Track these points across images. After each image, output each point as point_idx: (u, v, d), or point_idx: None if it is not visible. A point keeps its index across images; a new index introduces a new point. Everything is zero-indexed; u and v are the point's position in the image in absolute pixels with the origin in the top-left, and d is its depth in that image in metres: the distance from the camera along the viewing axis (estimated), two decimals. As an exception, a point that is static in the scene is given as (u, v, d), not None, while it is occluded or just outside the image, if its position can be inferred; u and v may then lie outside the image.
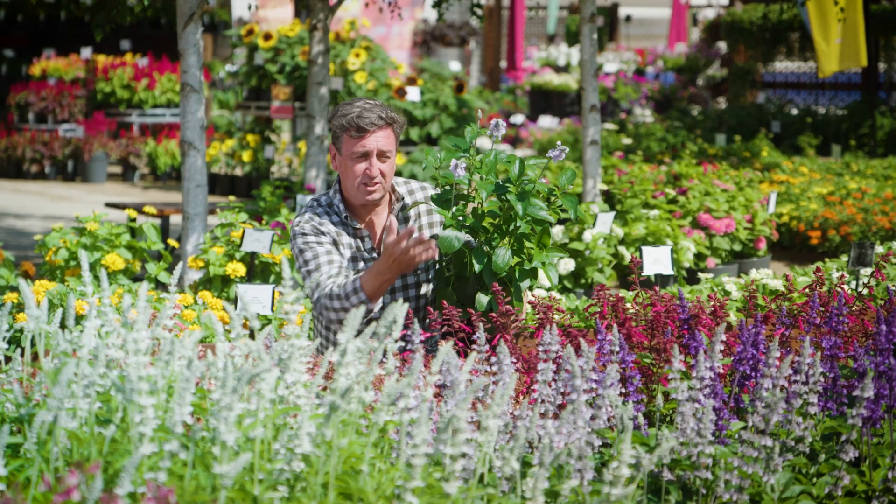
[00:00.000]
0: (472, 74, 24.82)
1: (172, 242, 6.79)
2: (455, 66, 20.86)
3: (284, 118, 12.87)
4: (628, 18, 27.23)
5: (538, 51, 24.51)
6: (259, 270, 6.13)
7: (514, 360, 3.17)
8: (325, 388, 2.86)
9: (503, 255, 3.72)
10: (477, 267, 3.73)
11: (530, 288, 3.86)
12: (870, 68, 15.85)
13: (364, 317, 3.84)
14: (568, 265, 7.56)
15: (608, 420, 2.68)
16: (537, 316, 3.51)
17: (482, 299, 3.76)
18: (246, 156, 13.33)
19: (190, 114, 6.34)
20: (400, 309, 2.44)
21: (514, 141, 17.04)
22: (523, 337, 3.62)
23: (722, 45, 21.37)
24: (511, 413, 2.69)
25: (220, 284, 5.94)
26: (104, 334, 2.54)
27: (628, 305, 3.58)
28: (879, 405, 2.74)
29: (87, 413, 2.33)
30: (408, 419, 2.30)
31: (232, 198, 8.16)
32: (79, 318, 4.63)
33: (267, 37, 12.43)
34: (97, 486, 1.92)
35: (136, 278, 6.69)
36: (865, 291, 4.52)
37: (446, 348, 2.44)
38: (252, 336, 4.66)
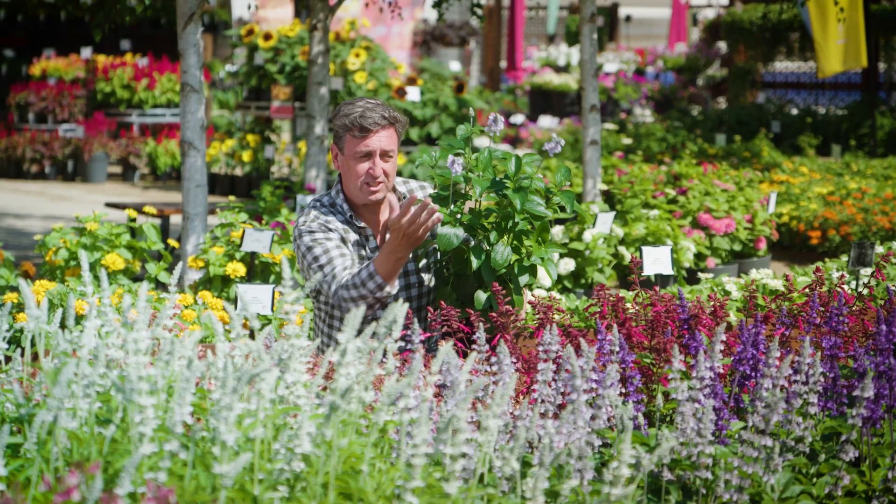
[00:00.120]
0: (472, 74, 24.82)
1: (172, 242, 6.79)
2: (455, 66, 20.86)
3: (284, 118, 12.87)
4: (628, 18, 27.23)
5: (538, 51, 24.51)
6: (259, 270, 6.13)
7: (514, 360, 3.17)
8: (325, 388, 2.86)
9: (502, 252, 3.72)
10: (475, 264, 3.73)
11: (530, 287, 3.86)
12: (870, 68, 15.85)
13: (380, 302, 3.83)
14: (568, 265, 7.56)
15: (608, 420, 2.68)
16: (537, 316, 3.51)
17: (481, 297, 3.76)
18: (246, 156, 13.33)
19: (190, 114, 6.34)
20: (400, 309, 2.44)
21: (514, 141, 17.04)
22: (523, 337, 3.62)
23: (722, 45, 21.37)
24: (511, 413, 2.69)
25: (220, 284, 5.94)
26: (104, 334, 2.54)
27: (628, 305, 3.58)
28: (879, 405, 2.74)
29: (87, 413, 2.33)
30: (408, 419, 2.30)
31: (232, 198, 8.16)
32: (79, 318, 4.63)
33: (267, 37, 12.43)
34: (97, 486, 1.92)
35: (136, 278, 6.69)
36: (865, 291, 4.52)
37: (446, 348, 2.44)
38: (252, 336, 4.66)
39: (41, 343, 2.64)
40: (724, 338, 3.09)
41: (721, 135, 13.67)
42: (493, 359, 2.70)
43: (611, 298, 3.54)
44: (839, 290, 3.81)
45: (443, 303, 3.62)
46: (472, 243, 3.77)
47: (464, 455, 2.39)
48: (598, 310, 3.58)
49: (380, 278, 3.76)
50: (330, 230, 3.96)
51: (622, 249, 8.06)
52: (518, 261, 3.79)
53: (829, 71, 11.89)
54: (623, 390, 2.93)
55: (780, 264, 9.68)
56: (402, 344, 2.57)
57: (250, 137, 13.37)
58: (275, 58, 12.49)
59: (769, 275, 5.85)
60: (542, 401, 2.66)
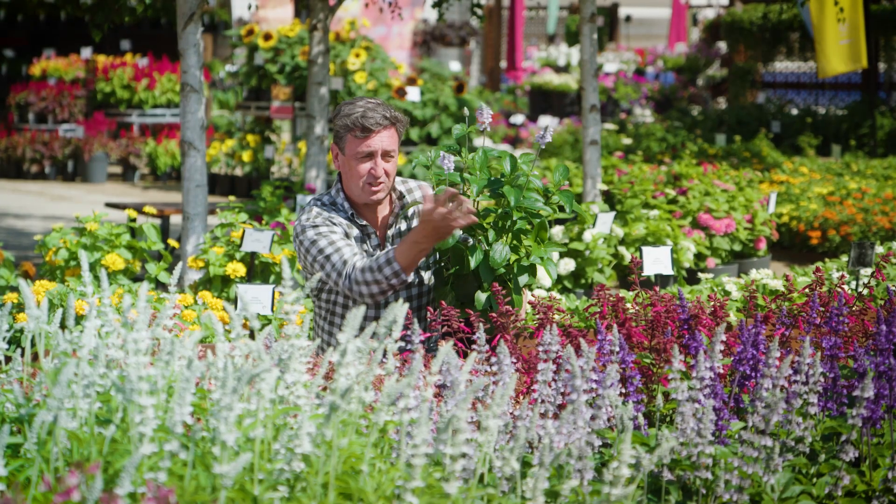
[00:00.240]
0: (472, 74, 24.82)
1: (172, 242, 6.79)
2: (455, 66, 20.86)
3: (284, 118, 12.87)
4: (628, 18, 27.23)
5: (538, 51, 24.51)
6: (259, 270, 6.13)
7: (514, 360, 3.17)
8: (325, 388, 2.86)
9: (500, 251, 3.72)
10: (474, 263, 3.73)
11: (529, 287, 3.86)
12: (870, 68, 15.85)
13: (394, 290, 3.83)
14: (568, 265, 7.56)
15: (608, 420, 2.68)
16: (537, 316, 3.51)
17: (481, 297, 3.76)
18: (246, 156, 13.33)
19: (190, 114, 6.34)
20: (400, 309, 2.44)
21: (514, 141, 17.04)
22: (523, 337, 3.62)
23: (722, 45, 21.37)
24: (511, 413, 2.69)
25: (220, 284, 5.94)
26: (104, 334, 2.54)
27: (628, 305, 3.58)
28: (879, 405, 2.74)
29: (87, 413, 2.33)
30: (408, 419, 2.30)
31: (232, 198, 8.16)
32: (79, 318, 4.63)
33: (267, 37, 12.43)
34: (97, 486, 1.92)
35: (136, 278, 6.69)
36: (865, 291, 4.52)
37: (446, 348, 2.44)
38: (252, 336, 4.66)
39: (41, 343, 2.64)
40: (724, 338, 3.09)
41: (721, 135, 13.67)
42: (493, 359, 2.70)
43: (611, 298, 3.54)
44: (839, 290, 3.82)
45: (443, 303, 3.62)
46: (471, 243, 3.77)
47: (464, 455, 2.39)
48: (598, 310, 3.58)
49: (398, 265, 3.75)
50: (334, 224, 3.97)
51: (622, 249, 8.06)
52: (517, 260, 3.79)
53: (830, 71, 11.88)
54: (623, 390, 2.94)
55: (780, 264, 9.69)
56: (402, 344, 2.57)
57: (250, 137, 13.37)
58: (275, 58, 12.49)
59: (769, 275, 5.85)
60: (542, 401, 2.66)
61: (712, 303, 3.41)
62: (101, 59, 15.92)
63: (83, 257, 2.58)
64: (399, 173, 11.63)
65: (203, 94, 6.36)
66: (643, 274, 4.45)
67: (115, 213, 10.88)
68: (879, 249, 6.50)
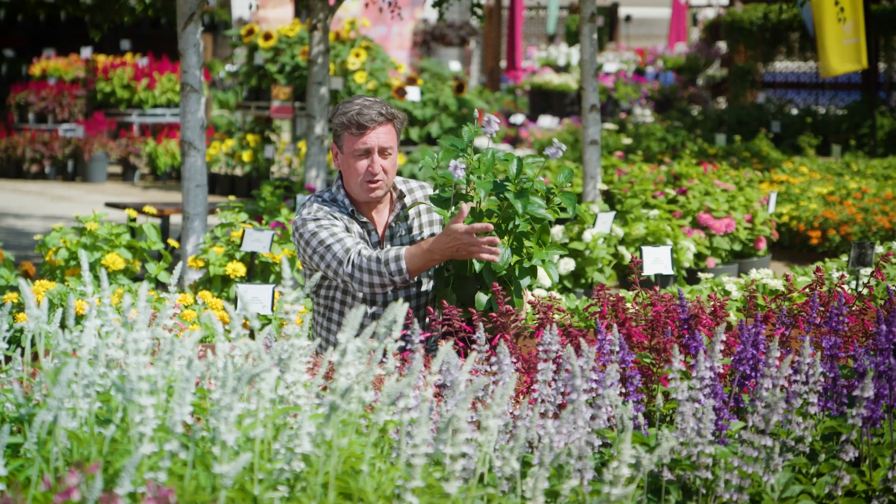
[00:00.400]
0: (472, 74, 24.82)
1: (172, 242, 6.79)
2: (455, 66, 20.86)
3: (284, 118, 12.87)
4: (628, 18, 27.22)
5: (538, 51, 24.51)
6: (259, 270, 6.13)
7: (514, 360, 3.17)
8: (325, 388, 2.86)
9: (503, 254, 3.72)
10: (477, 266, 3.73)
11: (530, 287, 3.86)
12: (870, 68, 15.85)
13: (395, 286, 3.83)
14: (568, 265, 7.56)
15: (608, 420, 2.68)
16: (537, 316, 3.51)
17: (482, 299, 3.76)
18: (246, 156, 13.33)
19: (190, 114, 6.34)
20: (400, 309, 2.44)
21: (514, 141, 17.04)
22: (523, 337, 3.62)
23: (722, 45, 21.36)
24: (511, 413, 2.69)
25: (220, 284, 5.94)
26: (104, 334, 2.54)
27: (628, 305, 3.58)
28: (879, 405, 2.74)
29: (87, 413, 2.33)
30: (408, 419, 2.30)
31: (232, 198, 8.16)
32: (79, 318, 4.63)
33: (267, 37, 12.43)
34: (97, 486, 1.92)
35: (136, 278, 6.69)
36: (865, 291, 4.52)
37: (446, 348, 2.44)
38: (252, 336, 4.66)
39: (41, 343, 2.64)
40: (724, 338, 3.09)
41: (721, 135, 13.67)
42: (493, 359, 2.70)
43: (611, 298, 3.54)
44: (839, 290, 3.82)
45: (445, 302, 3.62)
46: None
47: (464, 455, 2.39)
48: (598, 310, 3.58)
49: (404, 265, 3.75)
50: (335, 218, 3.97)
51: (622, 249, 8.06)
52: (518, 262, 3.79)
53: (832, 71, 11.88)
54: (623, 390, 2.93)
55: (780, 264, 9.68)
56: (402, 344, 2.57)
57: (250, 137, 13.37)
58: (275, 58, 12.49)
59: (769, 275, 5.85)
60: (542, 401, 2.66)
61: (712, 303, 3.41)
62: (101, 59, 15.92)
63: (83, 257, 2.58)
64: (399, 173, 11.63)
65: (203, 94, 6.36)
66: (643, 274, 4.45)
67: (115, 213, 10.88)
68: (879, 249, 6.50)
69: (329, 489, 2.19)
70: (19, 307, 4.98)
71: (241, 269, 5.88)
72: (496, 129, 3.79)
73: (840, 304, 3.23)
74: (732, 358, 2.97)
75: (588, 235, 7.63)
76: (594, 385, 2.60)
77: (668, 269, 4.66)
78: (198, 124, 6.35)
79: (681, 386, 2.58)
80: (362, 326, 3.95)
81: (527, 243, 3.80)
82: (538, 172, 3.79)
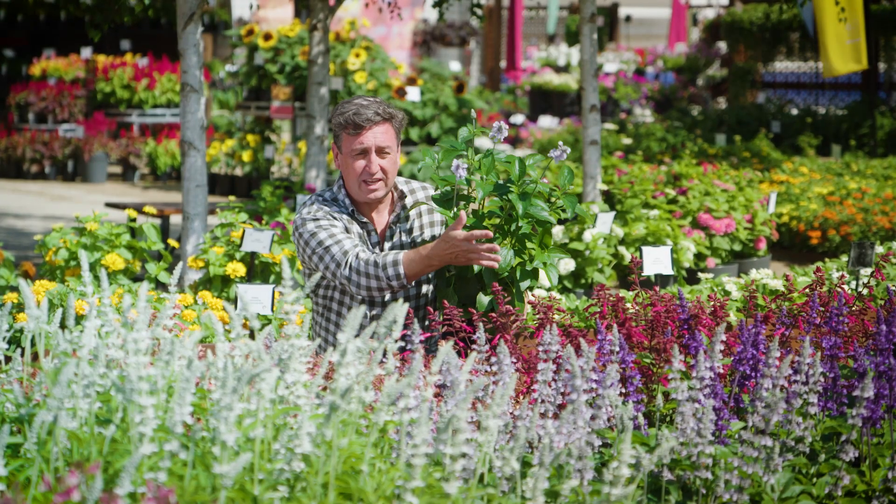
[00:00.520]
0: (472, 74, 24.82)
1: (172, 242, 6.79)
2: (455, 66, 20.86)
3: (284, 118, 12.87)
4: (628, 18, 27.23)
5: (538, 51, 24.51)
6: (259, 270, 6.13)
7: (514, 360, 3.17)
8: (325, 388, 2.86)
9: (505, 256, 3.72)
10: (477, 267, 3.73)
11: (530, 288, 3.86)
12: (870, 68, 15.85)
13: (392, 290, 3.82)
14: (568, 265, 7.56)
15: (608, 420, 2.68)
16: (537, 316, 3.51)
17: (483, 300, 3.76)
18: (246, 156, 13.33)
19: (190, 114, 6.34)
20: (400, 309, 2.44)
21: (514, 141, 17.04)
22: (523, 337, 3.62)
23: (722, 45, 21.36)
24: (511, 413, 2.69)
25: (220, 284, 5.94)
26: (104, 334, 2.54)
27: (628, 305, 3.58)
28: (879, 405, 2.74)
29: (87, 413, 2.33)
30: (408, 419, 2.30)
31: (232, 198, 8.16)
32: (79, 318, 4.63)
33: (267, 37, 12.43)
34: (97, 486, 1.92)
35: (136, 278, 6.69)
36: (865, 291, 4.52)
37: (446, 348, 2.44)
38: (252, 336, 4.66)
39: (41, 343, 2.64)
40: (724, 338, 3.09)
41: (721, 135, 13.67)
42: (494, 359, 2.70)
43: (611, 298, 3.54)
44: (839, 290, 3.82)
45: (445, 302, 3.62)
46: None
47: (464, 455, 2.39)
48: (598, 310, 3.58)
49: (402, 270, 3.74)
50: (334, 218, 3.96)
51: (622, 249, 8.06)
52: (520, 264, 3.78)
53: (835, 71, 11.88)
54: (623, 390, 2.93)
55: (780, 264, 9.68)
56: (402, 344, 2.57)
57: (250, 137, 13.37)
58: (275, 58, 12.49)
59: (769, 275, 5.85)
60: (542, 401, 2.66)
61: (712, 303, 3.41)
62: (101, 59, 15.92)
63: (83, 257, 2.58)
64: (399, 173, 11.63)
65: (203, 94, 6.36)
66: (643, 274, 4.45)
67: (115, 213, 10.88)
68: (879, 249, 6.50)
69: (329, 489, 2.19)
70: (19, 307, 4.98)
71: (241, 270, 5.88)
72: (504, 135, 3.78)
73: (840, 304, 3.23)
74: (732, 358, 2.97)
75: (588, 235, 7.63)
76: (594, 385, 2.60)
77: (668, 270, 4.66)
78: (198, 124, 6.35)
79: (681, 386, 2.58)
80: (362, 327, 3.95)
81: (529, 245, 3.80)
82: (541, 174, 3.79)
